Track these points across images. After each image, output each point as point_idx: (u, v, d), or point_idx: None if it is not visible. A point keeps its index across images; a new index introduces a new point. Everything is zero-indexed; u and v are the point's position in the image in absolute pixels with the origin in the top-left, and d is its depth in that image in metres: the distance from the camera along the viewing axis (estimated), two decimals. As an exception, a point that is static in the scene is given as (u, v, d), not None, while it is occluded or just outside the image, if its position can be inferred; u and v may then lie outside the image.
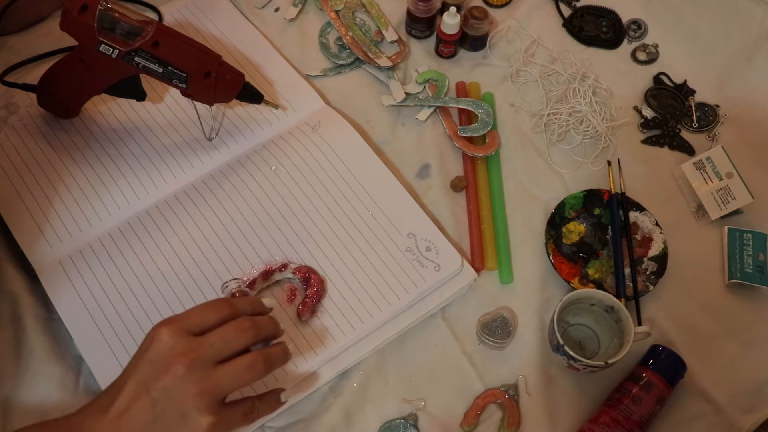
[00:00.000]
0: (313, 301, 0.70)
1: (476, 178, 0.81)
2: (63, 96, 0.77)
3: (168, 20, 0.89)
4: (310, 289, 0.70)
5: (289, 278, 0.72)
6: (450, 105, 0.85)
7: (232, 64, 0.75)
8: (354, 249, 0.73)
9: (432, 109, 0.85)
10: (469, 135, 0.82)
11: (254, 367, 0.55)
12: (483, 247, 0.76)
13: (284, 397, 0.61)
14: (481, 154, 0.81)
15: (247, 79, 0.76)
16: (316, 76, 0.88)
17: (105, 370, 0.66)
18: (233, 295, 0.63)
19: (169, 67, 0.71)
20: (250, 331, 0.56)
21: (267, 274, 0.71)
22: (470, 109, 0.84)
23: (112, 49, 0.69)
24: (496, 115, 0.85)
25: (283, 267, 0.71)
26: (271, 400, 0.60)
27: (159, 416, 0.52)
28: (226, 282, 0.64)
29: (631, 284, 0.74)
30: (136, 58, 0.70)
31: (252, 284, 0.70)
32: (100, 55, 0.69)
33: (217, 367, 0.54)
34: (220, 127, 0.82)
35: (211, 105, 0.76)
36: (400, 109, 0.86)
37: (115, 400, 0.53)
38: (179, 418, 0.52)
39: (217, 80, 0.73)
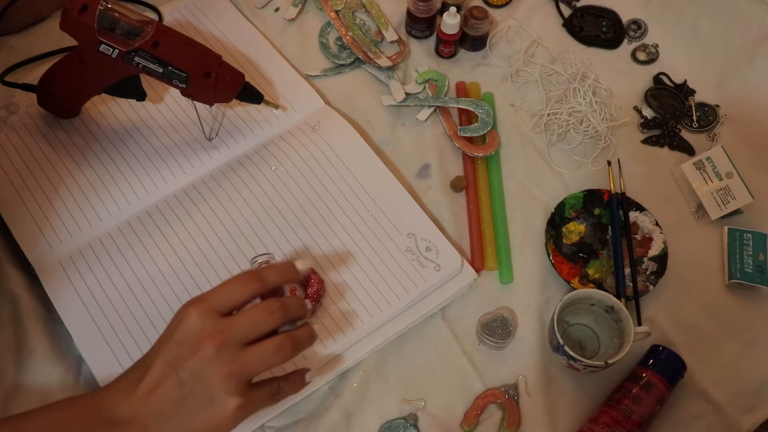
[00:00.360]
0: (312, 302, 0.70)
1: (476, 178, 0.81)
2: (63, 96, 0.77)
3: (168, 20, 0.89)
4: (309, 289, 0.70)
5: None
6: (450, 105, 0.85)
7: (232, 64, 0.75)
8: (354, 249, 0.73)
9: (432, 109, 0.85)
10: (469, 135, 0.82)
11: (282, 349, 0.54)
12: (483, 247, 0.76)
13: (309, 378, 0.60)
14: (481, 154, 0.81)
15: (247, 79, 0.76)
16: (316, 76, 0.88)
17: (105, 371, 0.66)
18: None
19: (169, 67, 0.71)
20: (278, 313, 0.55)
21: None
22: (470, 109, 0.84)
23: (112, 49, 0.69)
24: (496, 115, 0.85)
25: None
26: (296, 380, 0.60)
27: (186, 396, 0.52)
28: (255, 257, 0.63)
29: (631, 284, 0.74)
30: (136, 58, 0.70)
31: None
32: (100, 55, 0.69)
33: (245, 349, 0.53)
34: (220, 127, 0.82)
35: (211, 105, 0.76)
36: (400, 109, 0.86)
37: (142, 378, 0.52)
38: (207, 399, 0.52)
39: (217, 80, 0.73)
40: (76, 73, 0.73)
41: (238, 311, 0.55)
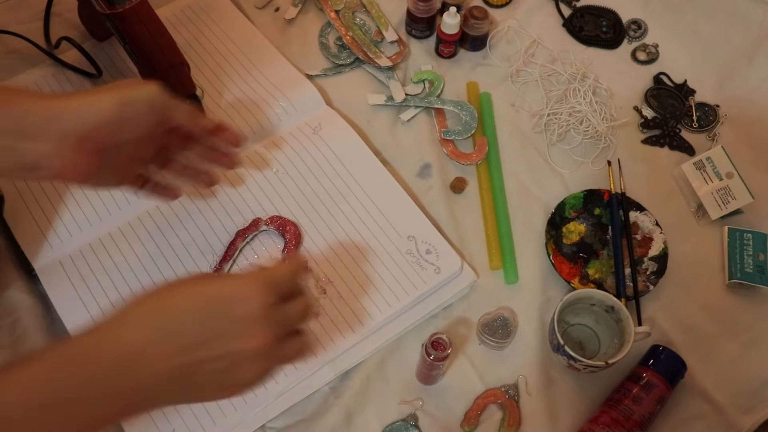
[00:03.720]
0: (292, 246, 0.72)
1: (477, 178, 0.81)
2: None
3: (169, 20, 0.89)
4: (287, 234, 0.73)
5: (264, 230, 0.74)
6: (435, 106, 0.84)
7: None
8: (354, 251, 0.73)
9: (419, 109, 0.85)
10: (452, 138, 0.82)
11: (303, 352, 0.54)
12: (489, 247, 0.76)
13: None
14: (466, 163, 0.81)
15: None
16: (316, 75, 0.88)
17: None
18: None
19: (127, 46, 0.73)
20: (311, 315, 0.56)
21: (243, 233, 0.73)
22: (455, 110, 0.84)
23: (98, 5, 0.71)
24: (493, 116, 0.85)
25: (256, 223, 0.73)
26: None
27: (213, 373, 0.49)
28: None
29: (631, 284, 0.74)
30: (108, 23, 0.72)
31: (233, 246, 0.72)
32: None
33: (283, 344, 0.52)
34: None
35: None
36: (400, 108, 0.86)
37: (178, 333, 0.49)
38: (232, 383, 0.51)
39: (160, 81, 0.74)
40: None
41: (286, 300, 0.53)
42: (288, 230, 0.73)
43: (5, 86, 0.53)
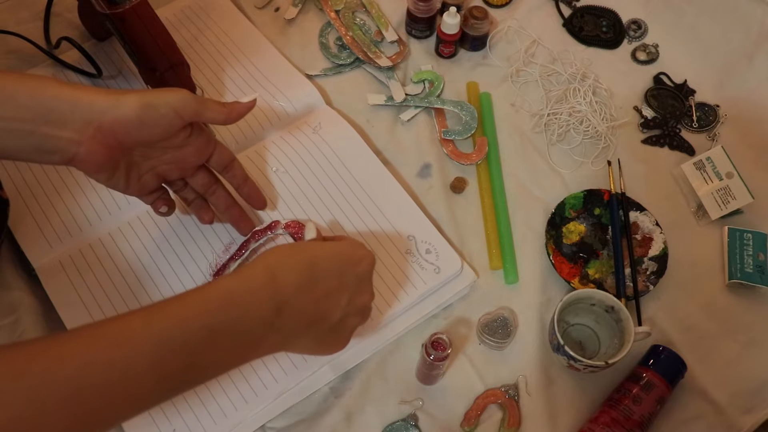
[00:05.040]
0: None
1: (477, 178, 0.81)
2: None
3: (169, 20, 0.89)
4: (300, 239, 0.72)
5: (281, 234, 0.73)
6: (435, 106, 0.85)
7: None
8: (354, 249, 0.73)
9: (419, 109, 0.85)
10: (452, 138, 0.82)
11: (371, 312, 0.64)
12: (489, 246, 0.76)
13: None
14: (466, 163, 0.81)
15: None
16: (316, 75, 0.88)
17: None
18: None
19: (127, 46, 0.73)
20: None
21: (258, 235, 0.72)
22: (455, 110, 0.84)
23: (98, 4, 0.71)
24: (493, 116, 0.85)
25: (273, 226, 0.73)
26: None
27: (340, 321, 0.57)
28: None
29: (631, 284, 0.74)
30: (107, 23, 0.72)
31: (245, 246, 0.72)
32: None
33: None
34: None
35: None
36: (400, 108, 0.86)
37: (318, 280, 0.55)
38: (343, 334, 0.60)
39: (160, 81, 0.75)
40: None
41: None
42: (301, 235, 0.72)
43: (35, 74, 0.56)
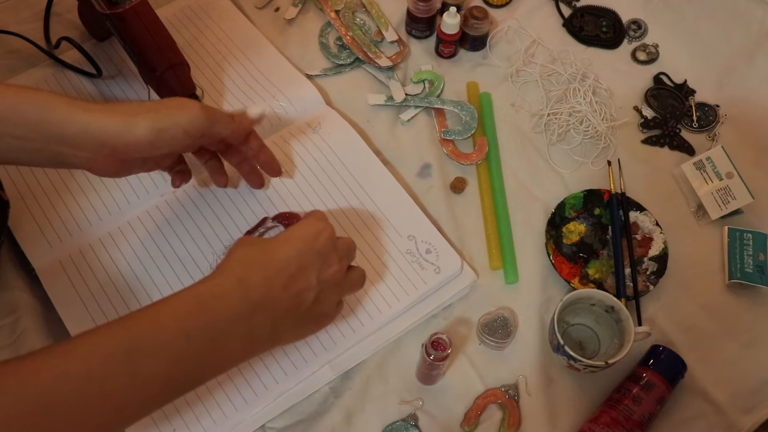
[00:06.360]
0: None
1: (477, 178, 0.81)
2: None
3: (169, 20, 0.89)
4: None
5: (272, 227, 0.74)
6: (435, 106, 0.85)
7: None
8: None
9: (419, 109, 0.85)
10: (452, 138, 0.82)
11: (363, 279, 0.64)
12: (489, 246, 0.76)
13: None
14: (466, 163, 0.81)
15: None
16: (316, 75, 0.88)
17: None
18: None
19: (127, 45, 0.73)
20: (354, 248, 0.64)
21: (251, 232, 0.73)
22: (455, 110, 0.84)
23: (98, 4, 0.71)
24: (493, 116, 0.85)
25: (263, 222, 0.74)
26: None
27: (315, 301, 0.58)
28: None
29: (631, 284, 0.74)
30: (108, 23, 0.73)
31: None
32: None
33: (347, 274, 0.62)
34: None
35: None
36: (400, 108, 0.86)
37: (283, 269, 0.56)
38: (323, 313, 0.60)
39: (160, 81, 0.75)
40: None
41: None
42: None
43: (43, 91, 0.57)
